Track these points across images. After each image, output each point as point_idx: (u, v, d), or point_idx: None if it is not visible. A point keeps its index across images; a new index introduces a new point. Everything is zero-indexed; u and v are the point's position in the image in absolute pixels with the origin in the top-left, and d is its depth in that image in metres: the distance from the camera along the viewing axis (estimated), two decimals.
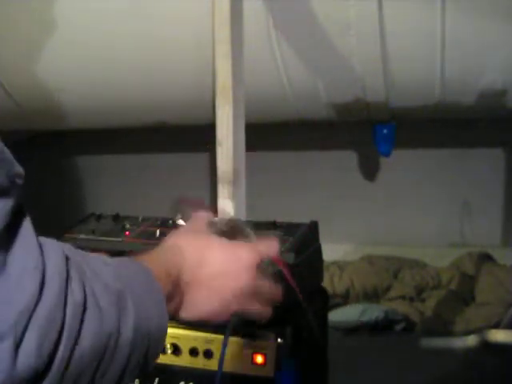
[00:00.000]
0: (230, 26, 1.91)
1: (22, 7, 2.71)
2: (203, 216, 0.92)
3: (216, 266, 0.77)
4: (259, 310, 0.84)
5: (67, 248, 0.70)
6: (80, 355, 0.64)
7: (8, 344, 0.58)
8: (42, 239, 0.67)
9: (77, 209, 4.02)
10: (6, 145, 0.64)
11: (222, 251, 0.78)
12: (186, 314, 0.79)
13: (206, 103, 2.71)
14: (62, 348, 0.62)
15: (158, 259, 0.77)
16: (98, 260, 0.74)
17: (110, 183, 4.20)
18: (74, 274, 0.66)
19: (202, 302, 0.78)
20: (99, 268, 0.71)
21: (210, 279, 0.77)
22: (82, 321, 0.64)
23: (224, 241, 0.81)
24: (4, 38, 2.81)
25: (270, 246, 0.86)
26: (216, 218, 0.92)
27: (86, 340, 0.65)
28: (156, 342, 0.73)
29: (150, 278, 0.74)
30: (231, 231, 0.87)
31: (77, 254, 0.71)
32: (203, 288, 0.77)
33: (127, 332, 0.69)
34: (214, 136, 1.91)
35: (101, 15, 2.72)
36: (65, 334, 0.63)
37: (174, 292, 0.76)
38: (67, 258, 0.67)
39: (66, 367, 0.63)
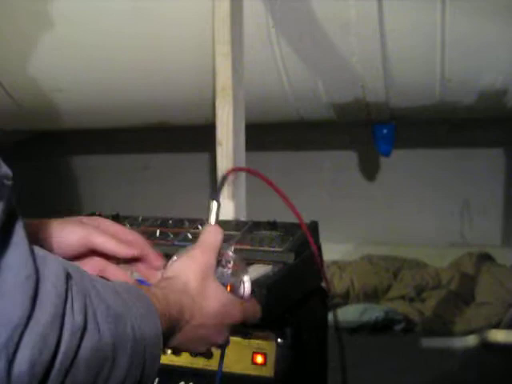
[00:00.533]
0: (230, 26, 1.91)
1: (21, 7, 2.71)
2: (213, 242, 0.93)
3: (210, 318, 0.87)
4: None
5: (72, 267, 0.69)
6: (75, 374, 0.64)
7: (2, 361, 0.58)
8: (43, 253, 0.66)
9: (76, 209, 4.02)
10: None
11: (219, 306, 0.88)
12: (169, 343, 0.86)
13: (205, 103, 2.71)
14: (57, 366, 0.62)
15: (167, 298, 0.82)
16: (102, 281, 0.75)
17: (110, 183, 4.20)
18: (75, 293, 0.66)
19: (188, 340, 0.87)
20: (103, 290, 0.71)
21: (204, 327, 0.87)
22: (80, 341, 0.64)
23: (224, 293, 0.90)
24: (4, 37, 2.82)
25: (254, 310, 0.95)
26: (224, 249, 0.94)
27: (83, 361, 0.65)
28: (149, 369, 0.75)
29: (150, 309, 0.77)
30: (233, 268, 0.94)
31: (82, 274, 0.70)
32: (195, 332, 0.87)
33: (124, 355, 0.70)
34: (214, 136, 1.91)
35: (101, 15, 2.72)
36: (61, 352, 0.62)
37: (172, 328, 0.83)
38: (69, 276, 0.66)
39: None
